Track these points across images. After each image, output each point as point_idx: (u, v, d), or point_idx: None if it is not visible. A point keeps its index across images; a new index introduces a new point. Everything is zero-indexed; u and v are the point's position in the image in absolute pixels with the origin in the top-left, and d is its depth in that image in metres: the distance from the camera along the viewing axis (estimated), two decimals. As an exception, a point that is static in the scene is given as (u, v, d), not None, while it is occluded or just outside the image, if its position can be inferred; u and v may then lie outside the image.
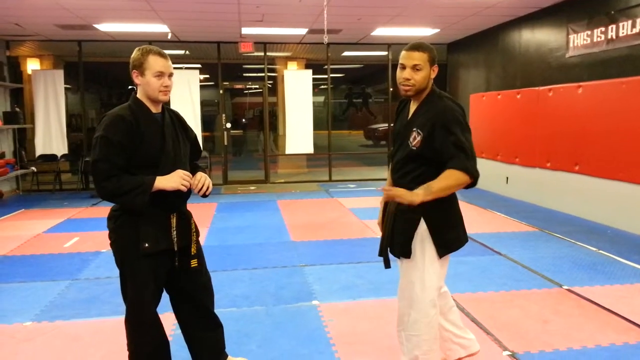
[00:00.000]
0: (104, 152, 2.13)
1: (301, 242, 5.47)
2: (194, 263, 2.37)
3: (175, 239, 2.29)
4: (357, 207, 7.41)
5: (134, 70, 2.22)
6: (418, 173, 2.29)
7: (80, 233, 5.95)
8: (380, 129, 17.10)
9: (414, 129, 2.27)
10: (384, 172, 10.64)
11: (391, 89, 10.75)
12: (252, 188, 9.52)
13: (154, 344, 2.35)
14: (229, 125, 10.21)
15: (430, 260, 2.35)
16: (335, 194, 8.62)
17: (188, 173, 2.26)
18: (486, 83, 9.06)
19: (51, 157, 9.49)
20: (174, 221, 2.30)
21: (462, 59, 10.05)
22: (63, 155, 9.57)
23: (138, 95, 2.27)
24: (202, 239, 5.49)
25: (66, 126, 9.67)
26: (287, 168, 11.47)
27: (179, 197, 2.31)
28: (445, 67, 10.67)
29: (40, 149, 9.52)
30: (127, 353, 2.37)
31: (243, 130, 17.19)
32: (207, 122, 13.08)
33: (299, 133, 10.16)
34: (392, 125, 11.49)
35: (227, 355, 2.63)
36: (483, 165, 8.85)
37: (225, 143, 10.16)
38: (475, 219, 6.57)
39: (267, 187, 9.67)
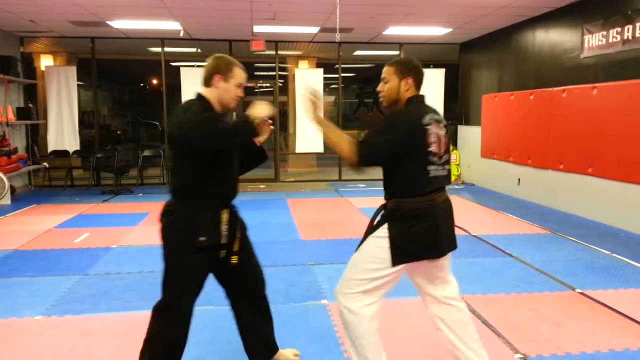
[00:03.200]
0: (213, 121, 2.20)
1: (311, 240, 5.45)
2: (234, 259, 2.40)
3: (225, 233, 2.35)
4: (367, 206, 7.38)
5: (217, 74, 2.31)
6: (386, 182, 2.34)
7: (90, 229, 5.98)
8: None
9: None
10: (394, 172, 10.58)
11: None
12: (262, 187, 9.52)
13: (177, 338, 2.37)
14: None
15: (375, 257, 2.28)
16: (345, 194, 8.59)
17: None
18: (499, 83, 8.98)
19: (63, 153, 9.56)
20: (225, 216, 2.35)
21: (475, 59, 9.97)
22: (75, 152, 9.63)
23: (206, 96, 2.35)
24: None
25: (78, 123, 9.74)
26: (297, 167, 11.45)
27: (233, 191, 2.42)
28: (457, 67, 10.60)
29: (52, 144, 9.60)
30: (136, 347, 2.37)
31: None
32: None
33: (309, 132, 10.14)
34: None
35: (277, 348, 2.69)
36: (494, 166, 8.81)
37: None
38: (486, 220, 6.51)
39: (277, 186, 9.67)
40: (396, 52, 10.39)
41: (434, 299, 2.45)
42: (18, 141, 9.02)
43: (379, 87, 2.37)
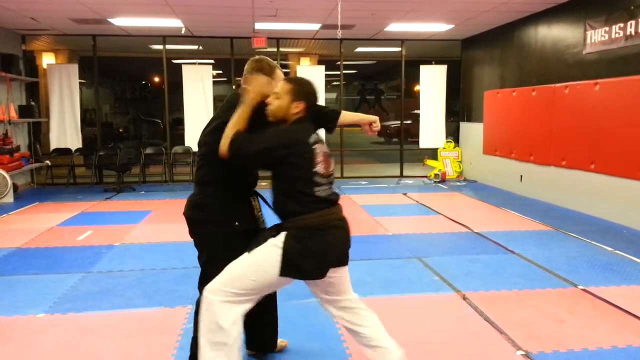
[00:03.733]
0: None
1: (312, 238, 5.45)
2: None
3: (262, 219, 2.51)
4: (369, 204, 7.38)
5: (266, 75, 2.40)
6: (275, 202, 2.34)
7: (93, 226, 5.99)
8: (393, 126, 17.00)
9: None
10: (396, 169, 10.59)
11: (404, 86, 10.68)
12: (264, 184, 9.51)
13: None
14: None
15: (265, 264, 2.21)
16: (347, 191, 8.59)
17: None
18: (501, 80, 8.96)
19: (65, 151, 9.57)
20: (256, 203, 2.52)
21: (477, 55, 9.94)
22: (77, 149, 9.65)
23: None
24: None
25: (80, 120, 9.75)
26: (298, 164, 11.45)
27: (255, 181, 2.56)
28: (459, 64, 10.58)
29: (54, 142, 9.61)
30: (138, 344, 2.37)
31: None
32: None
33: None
34: (404, 122, 11.34)
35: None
36: (497, 162, 8.80)
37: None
38: (488, 217, 6.51)
39: (279, 183, 9.66)
40: (398, 49, 10.37)
41: (329, 304, 2.39)
42: (20, 139, 9.03)
43: (269, 100, 2.30)
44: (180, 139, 10.01)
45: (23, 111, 8.93)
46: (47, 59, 10.59)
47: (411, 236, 5.52)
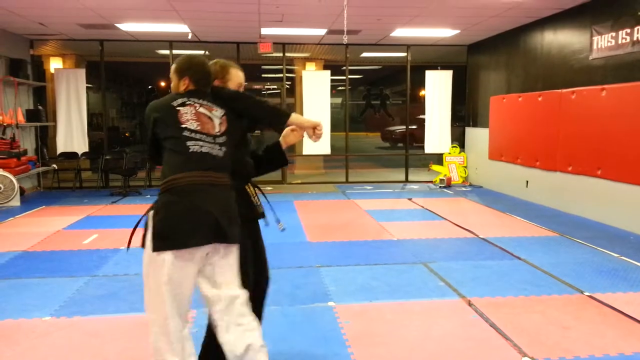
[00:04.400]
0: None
1: (317, 242, 5.46)
2: (281, 226, 2.76)
3: (258, 204, 2.56)
4: (374, 208, 7.37)
5: (215, 80, 2.41)
6: None
7: (99, 230, 6.02)
8: (398, 131, 17.00)
9: None
10: (401, 174, 10.57)
11: (409, 91, 10.68)
12: (269, 188, 9.53)
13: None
14: (246, 125, 10.23)
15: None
16: (352, 196, 8.59)
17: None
18: (507, 85, 8.95)
19: (72, 155, 9.62)
20: (251, 190, 2.55)
21: (483, 60, 9.93)
22: (84, 154, 9.70)
23: None
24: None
25: (87, 125, 9.80)
26: (304, 169, 11.47)
27: (248, 171, 2.60)
28: (465, 69, 10.57)
29: (61, 146, 9.67)
30: (143, 348, 2.37)
31: (260, 132, 17.22)
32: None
33: (316, 134, 10.16)
34: (409, 127, 11.33)
35: None
36: (502, 168, 8.78)
37: (243, 143, 10.19)
38: (494, 222, 6.48)
39: (284, 188, 9.68)
40: (403, 54, 10.38)
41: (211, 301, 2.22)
42: (27, 143, 9.09)
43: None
44: (186, 143, 10.04)
45: (30, 115, 9.00)
46: (54, 64, 10.67)
47: (416, 241, 5.51)
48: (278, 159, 2.71)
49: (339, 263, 4.64)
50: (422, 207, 7.60)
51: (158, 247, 2.08)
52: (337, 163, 11.18)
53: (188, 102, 2.23)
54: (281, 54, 10.04)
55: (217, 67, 2.46)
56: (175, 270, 2.08)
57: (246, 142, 2.53)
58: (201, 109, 2.23)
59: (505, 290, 3.95)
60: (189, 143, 2.14)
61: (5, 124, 8.16)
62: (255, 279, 2.51)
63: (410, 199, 8.24)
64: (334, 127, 10.43)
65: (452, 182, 9.90)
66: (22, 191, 8.01)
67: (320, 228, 6.16)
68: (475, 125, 10.17)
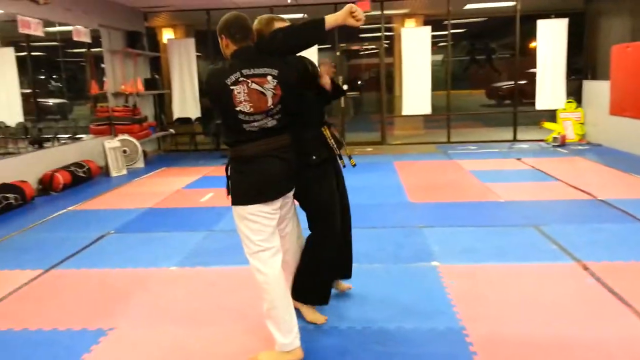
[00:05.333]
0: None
1: (419, 203, 5.42)
2: (353, 162, 2.89)
3: (334, 146, 2.71)
4: (478, 169, 7.12)
5: (260, 34, 2.54)
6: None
7: (214, 189, 6.47)
8: (505, 87, 16.00)
9: None
10: (508, 133, 10.03)
11: (519, 44, 9.96)
12: (369, 149, 9.56)
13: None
14: (345, 87, 10.25)
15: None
16: (454, 156, 8.35)
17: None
18: (632, 32, 8.01)
19: (186, 120, 10.34)
20: (327, 132, 2.72)
21: (603, 6, 8.95)
22: (197, 119, 10.36)
23: None
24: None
25: (198, 91, 10.42)
26: (403, 130, 11.29)
27: (320, 115, 2.79)
28: (582, 16, 9.61)
29: (177, 112, 10.40)
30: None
31: (359, 92, 17.17)
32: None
33: (416, 94, 9.90)
34: (518, 82, 10.61)
35: (349, 277, 3.11)
36: (625, 124, 7.99)
37: (342, 105, 10.25)
38: (614, 183, 5.98)
39: (384, 149, 9.64)
40: (512, 3, 9.65)
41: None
42: (147, 110, 9.89)
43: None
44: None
45: (148, 84, 9.75)
46: (167, 35, 11.38)
47: (526, 203, 5.27)
48: (337, 91, 2.78)
49: (442, 224, 4.59)
50: (533, 167, 7.20)
51: (246, 201, 2.39)
52: (438, 123, 10.85)
53: (241, 79, 2.27)
54: (379, 12, 9.81)
55: (261, 23, 2.57)
56: (262, 218, 2.40)
57: (309, 90, 2.64)
58: (253, 85, 2.28)
59: (626, 254, 3.69)
60: (244, 125, 2.33)
61: (127, 93, 8.93)
62: (341, 205, 2.86)
63: (518, 159, 7.83)
64: (435, 86, 10.06)
65: (566, 141, 9.20)
66: (145, 154, 8.79)
67: (421, 189, 6.09)
68: (594, 78, 9.29)
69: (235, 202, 2.41)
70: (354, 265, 3.13)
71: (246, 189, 2.37)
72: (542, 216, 4.74)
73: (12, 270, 3.86)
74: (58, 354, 2.62)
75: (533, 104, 9.92)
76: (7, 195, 5.68)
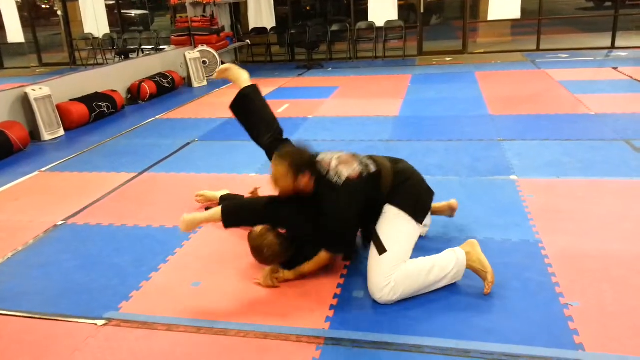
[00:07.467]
0: None
1: (500, 115, 5.20)
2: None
3: None
4: (569, 79, 6.62)
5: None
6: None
7: (289, 100, 6.55)
8: (608, -14, 14.29)
9: None
10: (607, 40, 9.09)
11: None
12: (448, 59, 9.10)
13: None
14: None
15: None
16: (543, 65, 7.77)
17: None
18: None
19: (262, 30, 10.28)
20: None
21: None
22: (272, 29, 10.27)
23: None
24: (396, 110, 5.61)
25: (274, 0, 10.22)
26: (488, 37, 10.57)
27: None
28: None
29: (252, 22, 10.34)
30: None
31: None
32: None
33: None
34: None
35: None
36: None
37: (422, 10, 9.67)
38: None
39: (465, 58, 9.14)
40: None
41: None
42: (224, 20, 9.91)
43: (272, 183, 2.40)
44: (363, 14, 9.91)
45: (224, -8, 9.68)
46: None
47: (618, 116, 4.89)
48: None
49: (524, 137, 4.41)
50: (630, 77, 6.57)
51: None
52: (528, 29, 10.01)
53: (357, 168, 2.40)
54: None
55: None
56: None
57: None
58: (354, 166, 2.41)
59: None
60: None
61: (205, 2, 8.94)
62: None
63: (615, 68, 7.15)
64: (527, -14, 9.16)
65: (674, 48, 8.23)
66: (222, 64, 8.95)
67: (504, 100, 5.80)
68: None
69: None
70: (426, 177, 3.12)
71: None
72: (636, 130, 4.40)
73: (109, 173, 4.24)
74: (154, 248, 2.93)
75: (638, 5, 8.83)
76: (100, 103, 6.10)
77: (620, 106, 5.24)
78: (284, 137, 2.97)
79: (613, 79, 6.58)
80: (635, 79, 6.42)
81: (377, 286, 2.24)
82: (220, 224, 2.48)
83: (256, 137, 2.99)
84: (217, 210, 2.46)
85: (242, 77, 3.09)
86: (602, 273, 2.38)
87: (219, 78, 3.03)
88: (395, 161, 2.53)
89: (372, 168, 2.39)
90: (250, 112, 2.97)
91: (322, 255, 2.42)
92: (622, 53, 8.47)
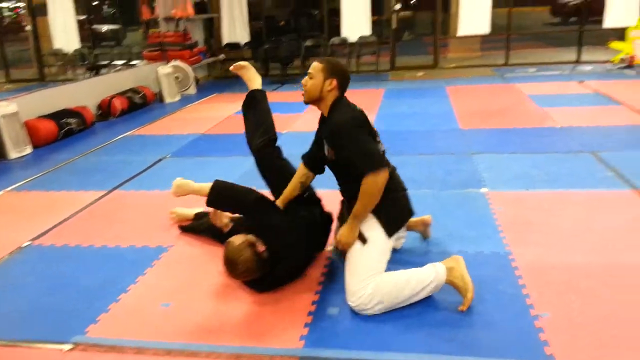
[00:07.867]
0: None
1: (471, 129, 5.29)
2: None
3: None
4: (537, 93, 6.79)
5: None
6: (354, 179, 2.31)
7: (262, 115, 6.53)
8: (572, 3, 14.80)
9: (324, 140, 2.54)
10: (572, 54, 9.40)
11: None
12: (420, 74, 9.25)
13: None
14: (398, 6, 9.79)
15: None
16: (512, 80, 7.96)
17: None
18: None
19: (235, 45, 10.28)
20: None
21: None
22: (246, 43, 10.28)
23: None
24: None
25: (248, 15, 10.23)
26: (458, 52, 10.80)
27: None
28: None
29: (226, 37, 10.32)
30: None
31: (413, 11, 16.40)
32: (375, 3, 12.57)
33: (474, 11, 9.31)
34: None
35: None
36: None
37: (394, 26, 9.83)
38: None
39: (436, 73, 9.31)
40: None
41: None
42: (197, 35, 9.88)
43: (303, 81, 2.51)
44: (337, 29, 10.01)
45: (198, 8, 9.66)
46: (214, -45, 11.06)
47: (585, 129, 5.03)
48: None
49: (494, 150, 4.49)
50: (595, 90, 6.79)
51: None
52: (497, 44, 10.27)
53: None
54: None
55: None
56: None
57: None
58: None
59: (690, 184, 3.52)
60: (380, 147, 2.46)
61: (177, 17, 8.91)
62: None
63: (580, 82, 7.38)
64: (496, 2, 9.39)
65: (635, 62, 8.54)
66: (196, 80, 8.91)
67: (474, 114, 5.92)
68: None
69: None
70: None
71: None
72: (601, 142, 4.54)
73: (77, 192, 4.14)
74: (123, 268, 2.86)
75: (600, 21, 9.15)
76: (69, 120, 5.98)
77: (585, 119, 5.39)
78: (277, 145, 3.07)
79: (579, 93, 6.79)
80: (600, 92, 6.63)
81: (353, 289, 2.26)
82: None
83: (250, 138, 3.02)
84: (209, 185, 2.62)
85: (256, 81, 3.16)
86: (569, 284, 2.43)
87: (234, 72, 3.11)
88: (393, 167, 2.54)
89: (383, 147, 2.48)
90: (253, 112, 3.08)
91: (367, 182, 2.24)
92: (587, 67, 8.75)
